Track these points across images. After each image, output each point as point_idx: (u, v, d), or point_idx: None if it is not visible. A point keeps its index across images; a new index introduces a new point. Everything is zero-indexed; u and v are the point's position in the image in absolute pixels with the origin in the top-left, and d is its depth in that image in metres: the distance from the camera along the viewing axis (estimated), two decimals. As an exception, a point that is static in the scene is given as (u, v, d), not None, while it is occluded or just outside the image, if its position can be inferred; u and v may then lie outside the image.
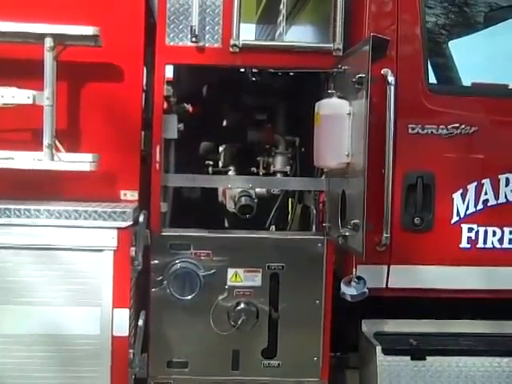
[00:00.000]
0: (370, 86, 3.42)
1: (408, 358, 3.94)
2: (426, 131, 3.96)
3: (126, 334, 3.80)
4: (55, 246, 3.76)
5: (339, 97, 3.76)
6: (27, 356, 3.75)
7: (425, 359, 3.93)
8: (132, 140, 4.04)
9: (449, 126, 3.97)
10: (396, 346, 4.01)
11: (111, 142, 3.99)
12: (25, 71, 3.85)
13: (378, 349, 3.94)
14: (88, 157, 3.84)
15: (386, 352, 3.93)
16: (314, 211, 4.28)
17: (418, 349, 4.01)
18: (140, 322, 3.97)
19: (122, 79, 4.00)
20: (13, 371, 3.75)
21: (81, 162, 3.82)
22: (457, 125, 3.98)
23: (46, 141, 3.75)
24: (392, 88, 3.80)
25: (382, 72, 3.84)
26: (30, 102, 3.73)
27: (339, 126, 3.68)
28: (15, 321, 3.76)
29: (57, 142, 3.83)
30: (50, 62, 3.74)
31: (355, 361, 4.35)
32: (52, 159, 3.78)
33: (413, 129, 3.96)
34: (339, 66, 3.91)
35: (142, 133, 4.13)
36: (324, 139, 3.80)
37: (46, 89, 3.73)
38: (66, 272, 3.77)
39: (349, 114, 3.67)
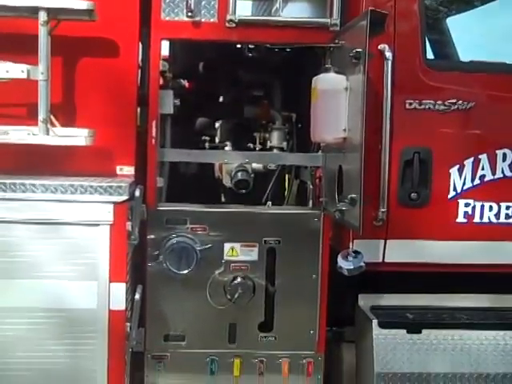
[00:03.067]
0: (368, 61, 3.40)
1: (404, 331, 3.96)
2: (423, 106, 3.95)
3: (123, 307, 3.82)
4: (51, 220, 3.76)
5: (336, 72, 3.74)
6: (26, 329, 3.77)
7: (420, 332, 3.96)
8: (128, 115, 4.02)
9: (446, 102, 3.96)
10: (392, 319, 4.04)
11: (107, 117, 3.97)
12: (19, 46, 3.81)
13: (375, 322, 3.96)
14: (83, 132, 3.82)
15: (382, 325, 3.95)
16: (311, 187, 4.29)
17: (414, 322, 4.03)
18: (137, 296, 3.98)
19: (118, 54, 3.97)
20: (12, 344, 3.77)
21: (76, 136, 3.80)
22: (454, 100, 3.97)
23: (41, 115, 3.72)
24: (389, 63, 3.79)
25: (380, 47, 3.83)
26: (25, 76, 3.69)
27: (336, 100, 3.67)
28: (12, 294, 3.77)
29: (52, 117, 3.81)
30: (44, 37, 3.70)
31: (351, 335, 4.38)
32: (47, 134, 3.76)
33: (410, 104, 3.95)
34: (336, 41, 3.88)
35: (138, 109, 4.11)
36: (321, 114, 3.78)
37: (40, 63, 3.70)
38: (63, 246, 3.78)
39: (346, 88, 3.65)
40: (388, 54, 3.77)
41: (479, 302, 4.25)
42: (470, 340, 3.98)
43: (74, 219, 3.76)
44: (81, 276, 3.79)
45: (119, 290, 3.80)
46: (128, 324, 3.87)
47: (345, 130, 3.63)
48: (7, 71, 3.71)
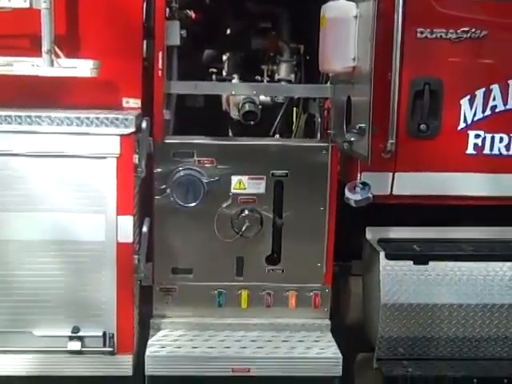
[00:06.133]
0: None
1: (411, 263, 3.97)
2: (434, 35, 3.85)
3: (131, 240, 3.85)
4: (57, 153, 3.75)
5: (346, -2, 3.66)
6: (35, 261, 3.82)
7: (427, 264, 3.96)
8: (133, 46, 3.96)
9: (458, 30, 3.86)
10: (399, 251, 4.04)
11: (112, 49, 3.91)
12: (21, -26, 3.74)
13: (382, 254, 3.97)
14: (88, 63, 3.76)
15: (389, 257, 3.95)
16: (319, 119, 4.25)
17: (421, 254, 4.03)
18: (144, 229, 3.98)
19: (122, -17, 3.89)
20: (21, 276, 3.82)
21: (81, 68, 3.74)
22: (467, 28, 3.86)
23: (45, 46, 3.67)
24: (401, -11, 3.67)
25: (391, -27, 3.72)
26: (27, 5, 3.63)
27: (345, 28, 3.60)
28: (20, 228, 3.80)
29: (56, 48, 3.75)
30: (46, -37, 3.62)
31: (358, 268, 4.40)
32: (52, 65, 3.71)
33: (421, 33, 3.84)
34: (346, -35, 3.77)
35: (145, 41, 4.04)
36: (329, 43, 3.71)
37: (43, -9, 3.63)
38: (70, 179, 3.79)
39: (355, 16, 3.58)
40: (400, -20, 3.65)
41: (486, 234, 4.23)
42: (476, 271, 3.98)
43: (81, 152, 3.75)
44: (88, 209, 3.81)
45: (126, 223, 3.83)
46: (136, 256, 3.91)
47: (354, 59, 3.57)
48: (9, 0, 3.64)
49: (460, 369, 3.99)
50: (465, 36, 3.87)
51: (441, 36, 3.86)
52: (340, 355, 4.01)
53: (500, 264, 3.99)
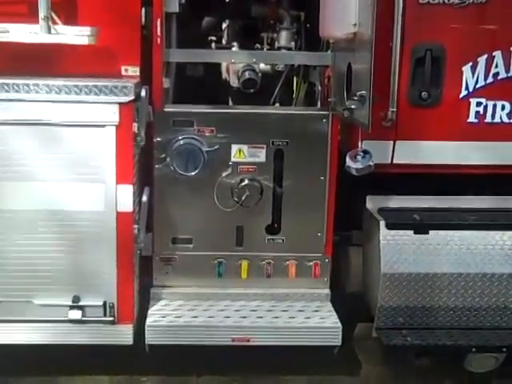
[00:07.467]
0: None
1: (411, 232, 3.96)
2: (436, 1, 3.79)
3: (130, 209, 3.84)
4: (56, 121, 3.72)
5: (347, -38, 3.59)
6: (35, 231, 3.81)
7: (428, 233, 3.95)
8: (132, 14, 3.90)
9: None
10: (400, 220, 4.02)
11: (110, 16, 3.85)
12: None
13: (382, 223, 3.95)
14: (86, 30, 3.72)
15: (389, 226, 3.94)
16: (319, 87, 4.21)
17: (422, 223, 4.02)
18: (144, 198, 3.97)
19: None
20: (22, 246, 3.82)
21: (79, 35, 3.70)
22: None
23: (42, 13, 3.62)
24: (402, -47, 3.61)
25: None
26: (24, -30, 3.60)
27: (346, -7, 3.54)
28: (19, 197, 3.79)
29: (53, 15, 3.70)
30: None
31: (358, 238, 4.39)
32: (49, 32, 3.66)
33: None
34: None
35: (143, 9, 3.99)
36: (330, 8, 3.67)
37: (39, -44, 3.58)
38: (68, 148, 3.76)
39: (357, -19, 3.52)
40: None
41: (487, 204, 4.22)
42: (476, 241, 3.96)
43: (79, 120, 3.72)
44: (87, 178, 3.79)
45: (126, 192, 3.81)
46: (136, 226, 3.90)
47: (355, 24, 3.51)
48: (5, -34, 3.61)
49: (459, 338, 4.00)
50: (468, 1, 3.81)
51: (443, 1, 3.80)
52: (340, 325, 4.02)
53: (500, 233, 3.98)
